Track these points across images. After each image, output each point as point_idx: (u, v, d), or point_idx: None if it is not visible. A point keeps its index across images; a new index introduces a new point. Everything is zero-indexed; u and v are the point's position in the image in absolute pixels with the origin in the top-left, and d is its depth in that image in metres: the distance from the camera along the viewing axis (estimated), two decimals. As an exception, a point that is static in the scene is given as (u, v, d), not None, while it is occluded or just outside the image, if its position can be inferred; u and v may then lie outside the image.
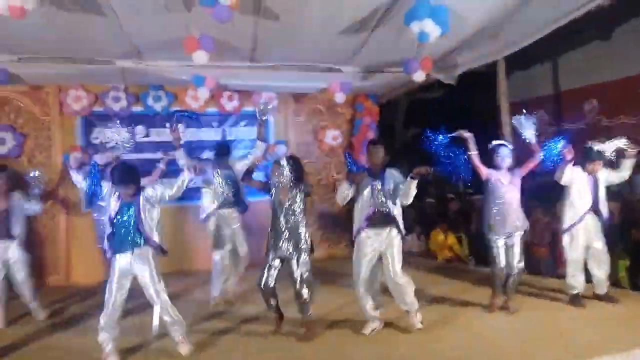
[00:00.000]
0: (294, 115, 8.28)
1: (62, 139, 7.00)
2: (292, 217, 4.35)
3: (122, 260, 3.97)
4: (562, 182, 5.14)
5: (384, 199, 4.39)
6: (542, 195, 6.51)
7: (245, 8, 4.49)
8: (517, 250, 4.96)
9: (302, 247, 4.35)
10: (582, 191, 5.12)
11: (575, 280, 5.14)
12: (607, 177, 5.19)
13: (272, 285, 4.37)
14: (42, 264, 6.72)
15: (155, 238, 4.07)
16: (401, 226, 4.45)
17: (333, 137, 8.33)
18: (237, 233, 5.58)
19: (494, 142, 5.06)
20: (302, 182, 4.40)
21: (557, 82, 8.25)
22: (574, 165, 5.02)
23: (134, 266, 3.99)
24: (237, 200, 5.55)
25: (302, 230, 4.38)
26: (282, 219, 4.35)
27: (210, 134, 7.76)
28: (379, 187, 4.40)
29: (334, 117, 8.48)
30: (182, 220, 7.35)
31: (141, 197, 4.03)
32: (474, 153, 4.91)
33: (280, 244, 4.34)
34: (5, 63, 5.67)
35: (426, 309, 4.96)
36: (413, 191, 4.32)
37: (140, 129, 7.12)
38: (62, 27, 4.69)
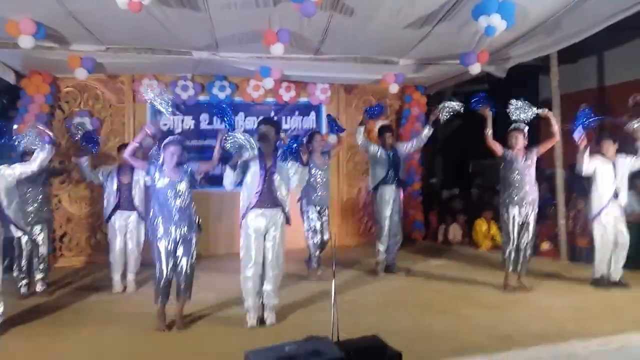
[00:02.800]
0: (345, 106, 8.66)
1: (133, 125, 7.53)
2: None
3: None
4: (584, 174, 5.51)
5: None
6: (583, 187, 6.79)
7: (324, 3, 4.88)
8: (530, 227, 5.34)
9: None
10: (605, 179, 5.43)
11: (602, 265, 5.46)
12: (632, 164, 5.46)
13: None
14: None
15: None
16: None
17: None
18: None
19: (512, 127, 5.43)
20: None
21: (603, 76, 8.46)
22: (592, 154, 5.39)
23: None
24: None
25: None
26: None
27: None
28: None
29: (384, 108, 8.83)
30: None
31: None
32: (489, 131, 5.36)
33: None
34: (94, 53, 6.19)
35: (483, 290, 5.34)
36: None
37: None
38: (157, 20, 5.14)
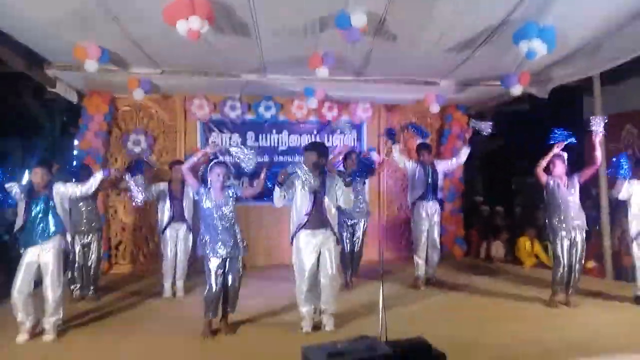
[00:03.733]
0: (386, 124, 8.83)
1: (184, 142, 7.94)
2: None
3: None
4: (620, 198, 5.59)
5: None
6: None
7: (368, 29, 5.11)
8: (579, 249, 5.40)
9: None
10: None
11: None
12: None
13: None
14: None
15: None
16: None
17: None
18: None
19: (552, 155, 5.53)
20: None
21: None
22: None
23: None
24: None
25: None
26: None
27: (310, 141, 8.49)
28: None
29: (424, 127, 8.98)
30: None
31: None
32: (542, 162, 5.52)
33: None
34: (151, 75, 6.63)
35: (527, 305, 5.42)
36: None
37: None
38: (210, 45, 5.49)
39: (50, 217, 4.63)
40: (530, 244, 8.19)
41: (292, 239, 4.69)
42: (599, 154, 5.50)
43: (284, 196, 4.63)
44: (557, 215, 5.45)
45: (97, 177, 5.03)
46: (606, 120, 5.61)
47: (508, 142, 10.78)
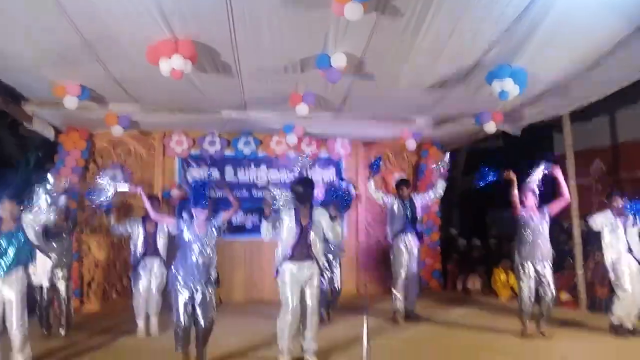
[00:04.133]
0: (364, 160, 8.96)
1: (162, 177, 7.90)
2: None
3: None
4: (594, 229, 5.77)
5: None
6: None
7: (347, 69, 5.24)
8: (548, 279, 5.53)
9: None
10: (615, 234, 5.64)
11: (621, 313, 5.55)
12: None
13: None
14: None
15: None
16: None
17: (401, 181, 8.93)
18: None
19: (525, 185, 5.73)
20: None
21: (616, 134, 8.70)
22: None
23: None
24: None
25: None
26: None
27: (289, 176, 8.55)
28: None
29: (400, 162, 9.16)
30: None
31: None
32: (514, 192, 5.67)
33: None
34: (130, 112, 6.63)
35: (504, 338, 5.47)
36: None
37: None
38: (192, 84, 5.55)
39: (12, 250, 4.42)
40: (505, 276, 8.27)
41: (277, 271, 4.67)
42: (565, 188, 5.69)
43: (271, 228, 4.64)
44: (525, 246, 5.57)
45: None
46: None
47: (482, 177, 11.01)
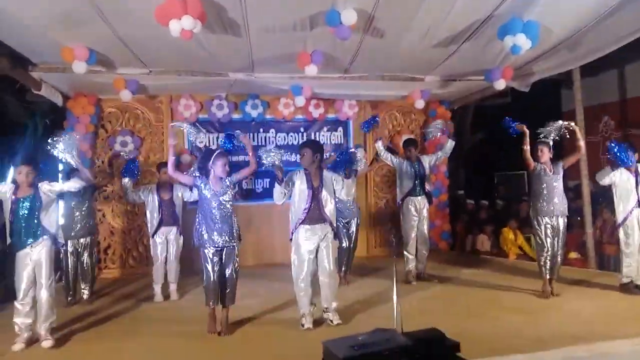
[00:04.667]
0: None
1: (171, 142, 7.91)
2: None
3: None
4: (602, 184, 5.77)
5: None
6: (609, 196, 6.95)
7: (357, 26, 5.19)
8: (561, 235, 5.56)
9: None
10: (626, 188, 5.61)
11: (630, 270, 5.57)
12: None
13: None
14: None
15: None
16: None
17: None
18: None
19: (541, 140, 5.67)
20: None
21: (624, 90, 8.63)
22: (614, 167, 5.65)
23: None
24: None
25: None
26: None
27: (297, 138, 8.56)
28: None
29: (409, 122, 9.14)
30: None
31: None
32: (526, 147, 5.61)
33: None
34: (137, 76, 6.60)
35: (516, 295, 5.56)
36: None
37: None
38: (200, 44, 5.51)
39: (37, 217, 4.49)
40: (513, 236, 8.37)
41: (292, 235, 4.73)
42: (582, 143, 5.67)
43: (284, 193, 4.67)
44: (541, 201, 5.57)
45: (84, 173, 4.81)
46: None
47: (489, 136, 11.01)
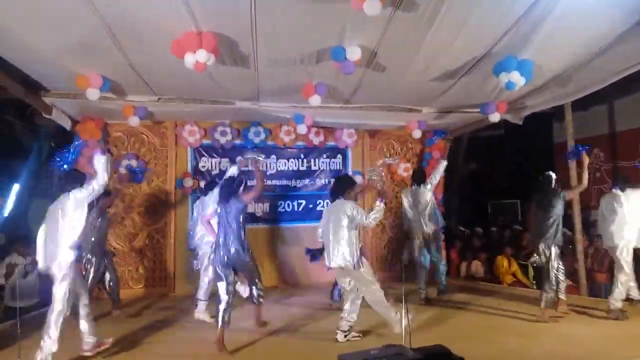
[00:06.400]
0: (369, 149, 9.20)
1: (175, 167, 8.11)
2: None
3: None
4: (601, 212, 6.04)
5: None
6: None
7: (360, 61, 5.45)
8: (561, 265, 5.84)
9: None
10: (614, 213, 5.92)
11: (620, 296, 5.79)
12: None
13: None
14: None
15: None
16: None
17: (404, 169, 9.18)
18: None
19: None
20: None
21: (614, 123, 8.97)
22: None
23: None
24: None
25: None
26: None
27: (297, 165, 8.80)
28: None
29: (405, 151, 9.39)
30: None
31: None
32: (585, 177, 6.07)
33: None
34: (146, 103, 6.83)
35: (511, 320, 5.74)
36: None
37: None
38: (210, 75, 5.74)
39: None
40: (507, 263, 8.56)
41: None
42: (586, 175, 6.04)
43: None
44: (552, 230, 5.76)
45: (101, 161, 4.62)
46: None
47: (483, 166, 11.30)
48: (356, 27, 4.71)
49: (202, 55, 4.57)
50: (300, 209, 8.71)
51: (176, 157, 8.15)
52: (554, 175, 5.89)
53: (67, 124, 7.36)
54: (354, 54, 5.01)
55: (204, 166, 8.28)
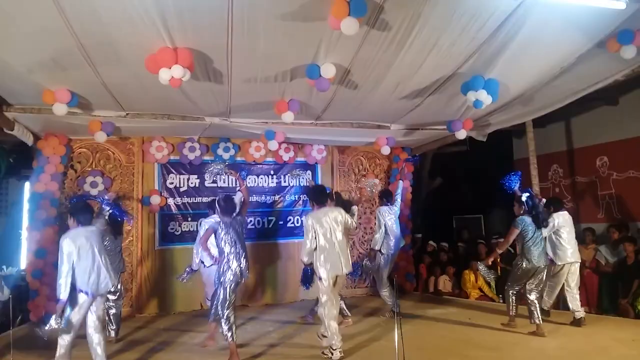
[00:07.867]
0: (338, 164, 9.27)
1: (142, 184, 7.94)
2: None
3: None
4: (548, 232, 6.25)
5: None
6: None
7: (333, 79, 5.53)
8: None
9: None
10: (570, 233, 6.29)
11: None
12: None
13: None
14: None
15: None
16: None
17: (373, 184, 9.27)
18: None
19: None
20: None
21: (571, 140, 9.37)
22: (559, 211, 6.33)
23: None
24: None
25: None
26: None
27: (267, 181, 8.77)
28: None
29: (373, 167, 9.51)
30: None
31: None
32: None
33: None
34: (113, 118, 6.69)
35: (482, 333, 5.85)
36: None
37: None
38: (181, 90, 5.69)
39: None
40: (474, 277, 8.73)
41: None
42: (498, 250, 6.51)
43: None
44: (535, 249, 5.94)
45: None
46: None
47: (448, 181, 11.54)
48: (332, 45, 4.79)
49: (177, 71, 4.55)
50: (270, 226, 8.66)
51: (143, 173, 7.98)
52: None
53: (29, 140, 7.11)
54: (328, 71, 5.09)
55: (172, 183, 8.13)
